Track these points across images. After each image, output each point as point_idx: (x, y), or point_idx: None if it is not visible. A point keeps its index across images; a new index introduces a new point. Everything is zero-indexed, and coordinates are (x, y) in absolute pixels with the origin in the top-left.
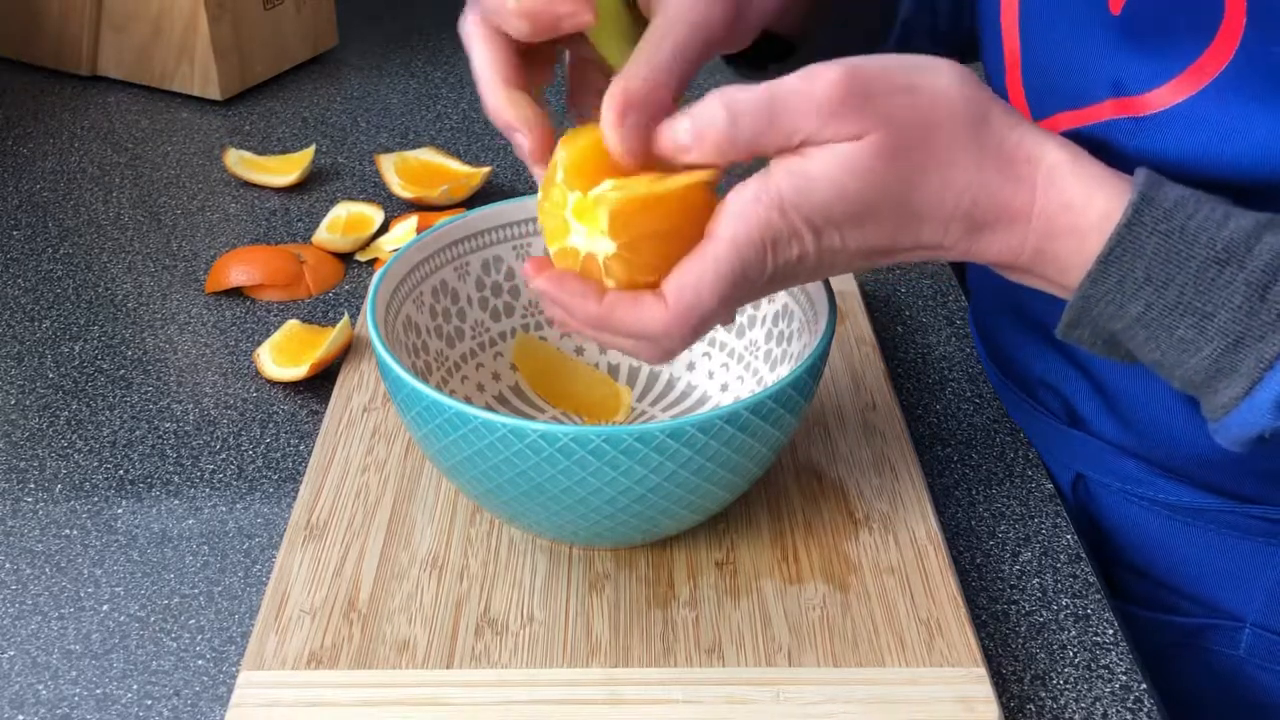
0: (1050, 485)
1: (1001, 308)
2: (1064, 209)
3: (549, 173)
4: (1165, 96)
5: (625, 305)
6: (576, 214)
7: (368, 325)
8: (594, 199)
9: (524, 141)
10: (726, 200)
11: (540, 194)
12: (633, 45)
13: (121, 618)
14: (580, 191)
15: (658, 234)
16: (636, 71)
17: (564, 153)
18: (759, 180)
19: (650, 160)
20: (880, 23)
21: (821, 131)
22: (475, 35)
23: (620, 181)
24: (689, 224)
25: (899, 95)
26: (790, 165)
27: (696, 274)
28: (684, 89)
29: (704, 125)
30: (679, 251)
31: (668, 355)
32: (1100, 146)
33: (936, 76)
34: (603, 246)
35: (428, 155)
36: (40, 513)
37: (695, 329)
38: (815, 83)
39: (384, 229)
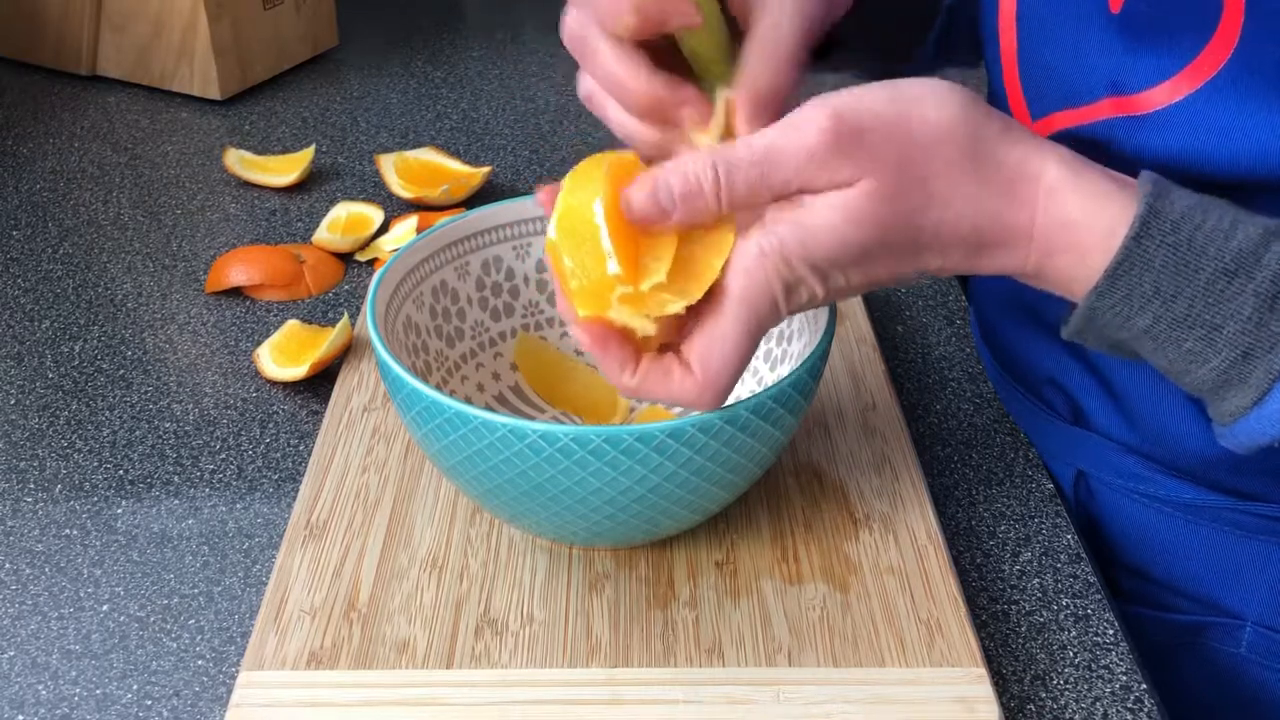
0: (1050, 485)
1: (1006, 305)
2: (1064, 226)
3: (571, 216)
4: (1163, 95)
5: (656, 378)
6: (624, 301)
7: (368, 325)
8: (650, 300)
9: (690, 114)
10: (733, 256)
11: (562, 233)
12: (725, 51)
13: (121, 618)
14: (627, 277)
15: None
16: (760, 72)
17: (600, 208)
18: (761, 233)
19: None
20: (925, 9)
21: (816, 179)
22: (594, 34)
23: (672, 273)
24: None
25: (890, 133)
26: (790, 216)
27: (719, 341)
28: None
29: (693, 185)
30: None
31: (708, 409)
32: (1098, 146)
33: (925, 107)
34: (646, 330)
35: (428, 155)
36: (40, 513)
37: (726, 388)
38: (805, 132)
39: (384, 229)
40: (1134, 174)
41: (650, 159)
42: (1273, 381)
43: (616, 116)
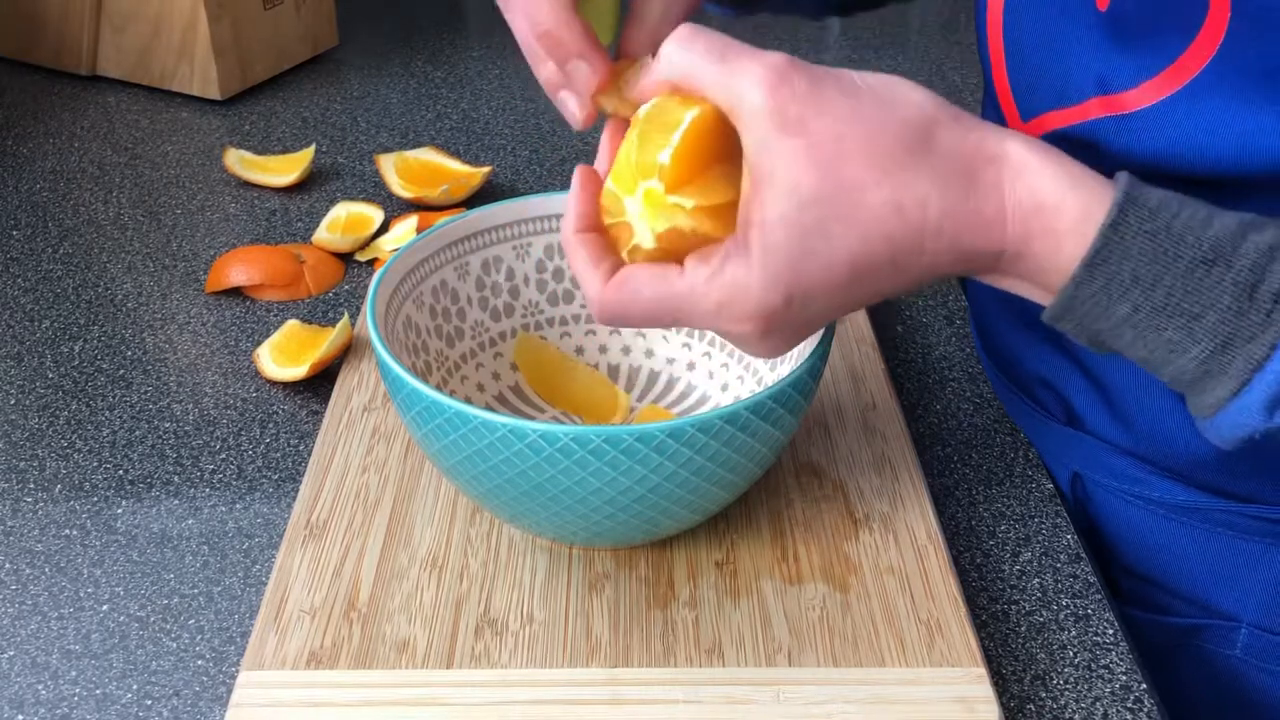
0: (1050, 485)
1: (1001, 307)
2: (1036, 210)
3: (667, 106)
4: (1147, 94)
5: (588, 254)
6: (646, 198)
7: (368, 325)
8: (666, 211)
9: (586, 72)
10: (701, 251)
11: (649, 114)
12: (616, 15)
13: (121, 618)
14: (667, 175)
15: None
16: (634, 35)
17: (691, 115)
18: (731, 241)
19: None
20: None
21: (752, 94)
22: None
23: (698, 208)
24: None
25: (835, 97)
26: (748, 221)
27: (646, 286)
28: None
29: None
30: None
31: (597, 316)
32: (1086, 147)
33: (874, 89)
34: (643, 239)
35: (428, 155)
36: (40, 513)
37: (615, 320)
38: (763, 59)
39: (384, 229)
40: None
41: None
42: (1252, 372)
43: (523, 27)
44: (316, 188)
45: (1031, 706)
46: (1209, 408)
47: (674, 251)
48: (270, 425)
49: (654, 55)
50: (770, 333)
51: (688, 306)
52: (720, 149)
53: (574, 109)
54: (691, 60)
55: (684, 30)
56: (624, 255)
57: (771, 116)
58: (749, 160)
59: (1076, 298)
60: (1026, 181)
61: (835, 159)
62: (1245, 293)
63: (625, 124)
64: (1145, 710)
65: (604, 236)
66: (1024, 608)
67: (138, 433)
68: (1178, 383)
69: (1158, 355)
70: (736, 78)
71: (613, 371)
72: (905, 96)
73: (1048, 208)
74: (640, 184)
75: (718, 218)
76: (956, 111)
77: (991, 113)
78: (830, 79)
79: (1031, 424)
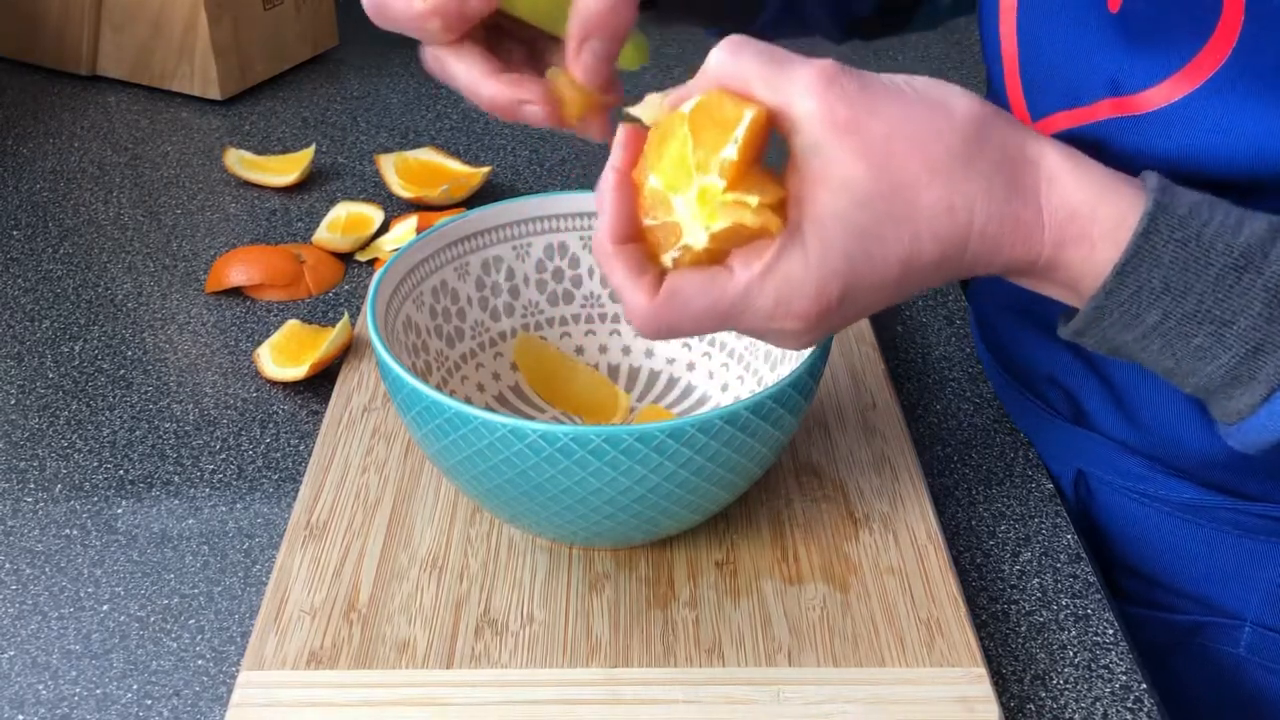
0: (1050, 485)
1: (1006, 304)
2: (1071, 218)
3: (719, 101)
4: (1162, 94)
5: (628, 266)
6: (701, 195)
7: (368, 325)
8: (726, 209)
9: (537, 110)
10: (751, 245)
11: (699, 109)
12: (557, 5)
13: (121, 618)
14: (731, 171)
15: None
16: (588, 11)
17: (751, 113)
18: (784, 235)
19: None
20: None
21: (806, 101)
22: (440, 55)
23: (764, 206)
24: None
25: (886, 98)
26: (800, 216)
27: (696, 294)
28: (634, 12)
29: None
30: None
31: (637, 328)
32: (1098, 146)
33: (922, 93)
34: (694, 239)
35: (428, 155)
36: (40, 513)
37: (665, 333)
38: (813, 62)
39: (384, 229)
40: (1134, 174)
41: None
42: None
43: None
44: (316, 188)
45: (1031, 706)
46: (1234, 414)
47: (721, 253)
48: (270, 425)
49: (608, 19)
50: (819, 326)
51: (741, 307)
52: (763, 152)
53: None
54: (740, 64)
55: (733, 38)
56: (666, 258)
57: (824, 118)
58: (801, 160)
59: (1106, 306)
60: (1060, 188)
61: (888, 159)
62: (1277, 298)
63: (644, 127)
64: (1145, 710)
65: (642, 245)
66: (1024, 608)
67: (138, 433)
68: (1203, 391)
69: (1185, 364)
70: (787, 81)
71: (613, 371)
72: (953, 99)
73: (1081, 215)
74: (696, 180)
75: (776, 214)
76: (1001, 113)
77: None
78: (879, 82)
79: (1035, 422)
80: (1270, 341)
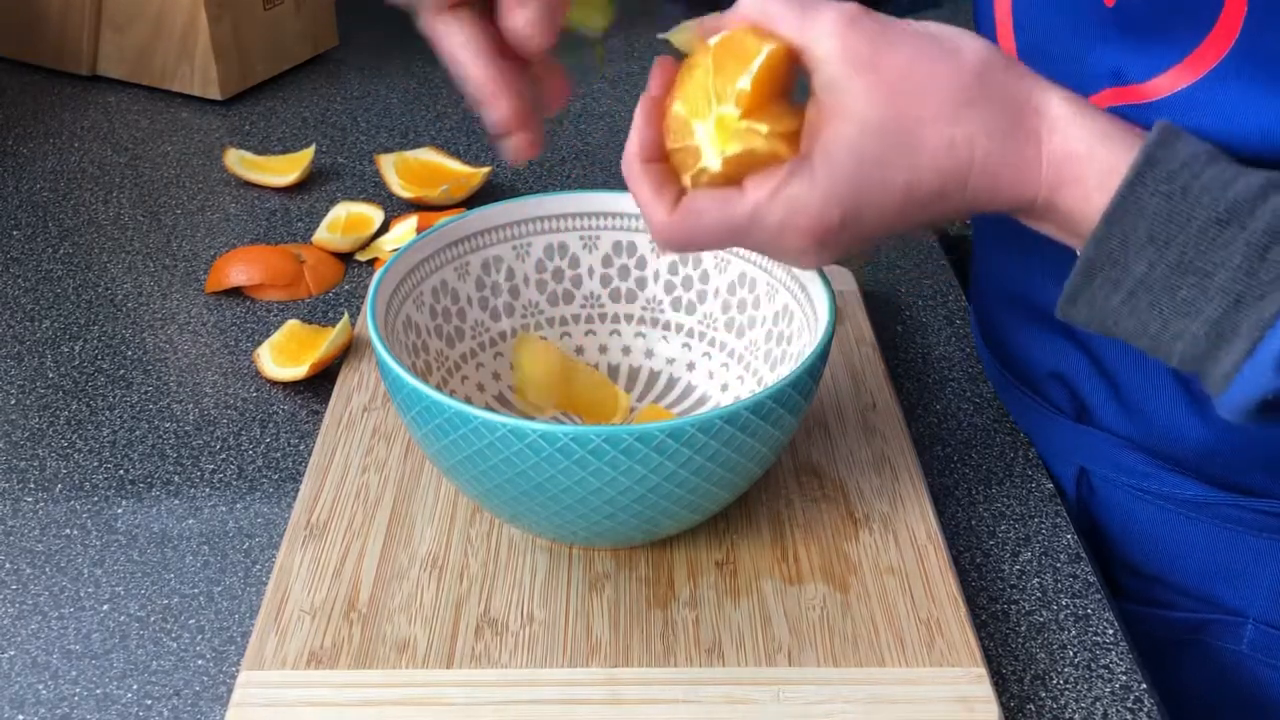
0: (1050, 485)
1: (1007, 302)
2: (1069, 158)
3: (741, 38)
4: (1165, 84)
5: (651, 181)
6: (719, 123)
7: (368, 325)
8: (740, 135)
9: (504, 114)
10: (766, 171)
11: (722, 44)
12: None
13: (121, 618)
14: (745, 101)
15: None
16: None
17: (769, 49)
18: (792, 162)
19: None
20: None
21: (827, 36)
22: (433, 24)
23: (774, 134)
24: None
25: (904, 38)
26: (813, 144)
27: (711, 210)
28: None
29: None
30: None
31: (663, 244)
32: None
33: (935, 35)
34: (710, 162)
35: (428, 155)
36: (40, 513)
37: (682, 246)
38: (836, 6)
39: (384, 229)
40: None
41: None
42: (1264, 329)
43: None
44: (316, 188)
45: (1031, 706)
46: (1222, 378)
47: (736, 176)
48: (270, 425)
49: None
50: (824, 246)
51: (750, 224)
52: (784, 86)
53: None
54: (768, 4)
55: None
56: (686, 179)
57: (844, 55)
58: (819, 95)
59: (1096, 260)
60: (1062, 132)
61: (899, 95)
62: (1257, 253)
63: (676, 59)
64: (1145, 710)
65: (666, 165)
66: (1024, 608)
67: (138, 433)
68: (1191, 358)
69: (1172, 324)
70: (811, 22)
71: (613, 371)
72: (965, 43)
73: (1078, 156)
74: (715, 108)
75: (787, 142)
76: (1010, 59)
77: None
78: (896, 26)
79: (1037, 420)
80: (1250, 294)
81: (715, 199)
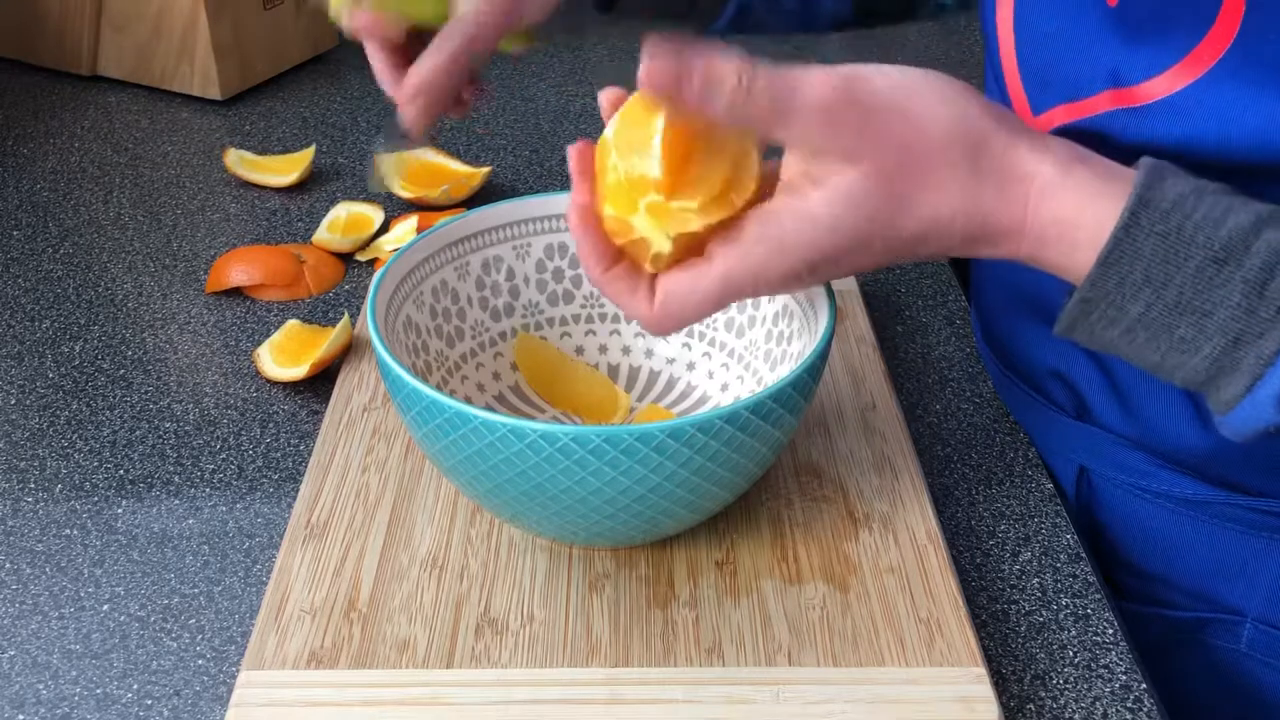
0: (1050, 485)
1: (1008, 300)
2: (1055, 223)
3: (634, 117)
4: (1163, 85)
5: (621, 287)
6: (650, 211)
7: (368, 325)
8: (677, 215)
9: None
10: (734, 229)
11: (619, 130)
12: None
13: (121, 618)
14: (664, 186)
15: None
16: (425, 63)
17: (663, 120)
18: (761, 222)
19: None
20: None
21: (819, 136)
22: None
23: (703, 204)
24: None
25: (895, 116)
26: (794, 206)
27: (686, 291)
28: (475, 70)
29: (718, 73)
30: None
31: (652, 332)
32: (1099, 139)
33: (931, 100)
34: (661, 246)
35: (428, 155)
36: (40, 513)
37: (674, 329)
38: (820, 86)
39: (384, 229)
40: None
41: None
42: (1264, 367)
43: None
44: (316, 188)
45: (1031, 706)
46: (1224, 405)
47: (698, 242)
48: (270, 425)
49: (435, 83)
50: (798, 288)
51: (724, 289)
52: (693, 139)
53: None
54: (738, 108)
55: (656, 42)
56: (648, 267)
57: (830, 142)
58: (802, 160)
59: (1092, 299)
60: (1049, 202)
61: (886, 177)
62: (1255, 290)
63: (590, 145)
64: (1145, 710)
65: (628, 262)
66: (1024, 607)
67: (138, 433)
68: (1192, 384)
69: (1171, 357)
70: (790, 114)
71: (613, 371)
72: (950, 107)
73: (1066, 221)
74: (640, 202)
75: (721, 204)
76: (1000, 116)
77: None
78: (879, 91)
79: (1037, 418)
80: (1250, 332)
81: (686, 280)
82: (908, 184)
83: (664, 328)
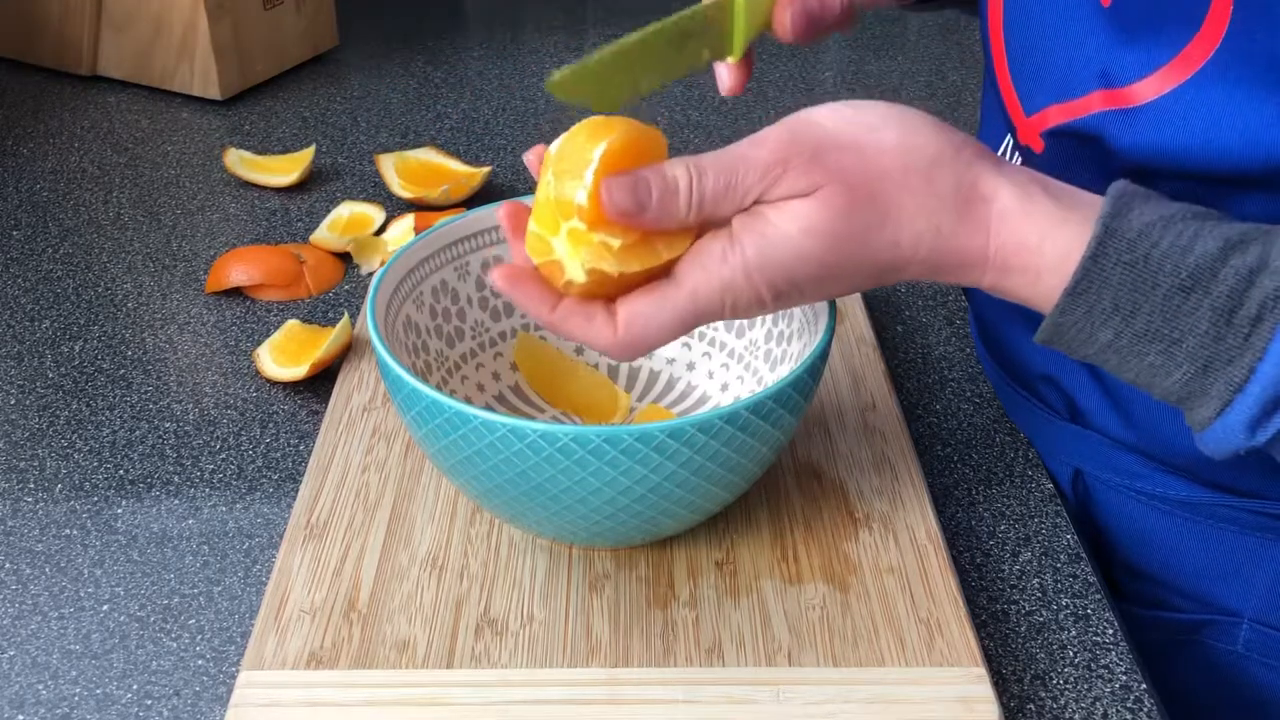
0: (1050, 485)
1: (1002, 304)
2: (1019, 249)
3: (575, 142)
4: (1152, 87)
5: (577, 319)
6: (570, 237)
7: (368, 325)
8: (596, 248)
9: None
10: (695, 247)
11: (559, 151)
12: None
13: (121, 618)
14: (588, 216)
15: (628, 284)
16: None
17: (602, 149)
18: (727, 239)
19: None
20: None
21: (772, 190)
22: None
23: (624, 247)
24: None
25: (846, 151)
26: (754, 226)
27: (651, 312)
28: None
29: (670, 185)
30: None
31: (615, 359)
32: (1090, 140)
33: (884, 130)
34: (574, 274)
35: (428, 155)
36: (40, 513)
37: (640, 353)
38: (764, 145)
39: (384, 229)
40: (1124, 168)
41: None
42: (1233, 393)
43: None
44: (316, 188)
45: (1031, 706)
46: (1198, 424)
47: (608, 289)
48: (270, 425)
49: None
50: (770, 310)
51: (697, 312)
52: (631, 164)
53: None
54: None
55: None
56: (561, 289)
57: (794, 181)
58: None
59: (1061, 324)
60: (1011, 226)
61: (848, 211)
62: (1223, 317)
63: (525, 208)
64: (1145, 710)
65: (572, 295)
66: (1024, 608)
67: (138, 433)
68: (1167, 401)
69: (1143, 378)
70: (751, 161)
71: (613, 371)
72: (914, 137)
73: (1028, 248)
74: (563, 224)
75: (644, 252)
76: (961, 144)
77: (994, 107)
78: (828, 143)
79: (1033, 421)
80: (1219, 359)
81: (651, 301)
82: (867, 214)
83: (629, 352)
